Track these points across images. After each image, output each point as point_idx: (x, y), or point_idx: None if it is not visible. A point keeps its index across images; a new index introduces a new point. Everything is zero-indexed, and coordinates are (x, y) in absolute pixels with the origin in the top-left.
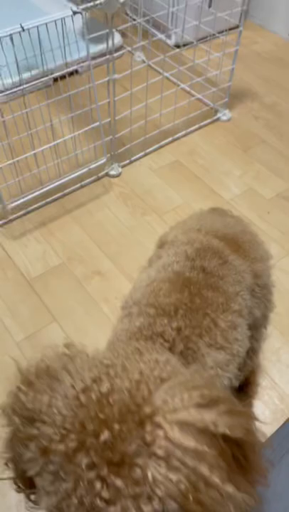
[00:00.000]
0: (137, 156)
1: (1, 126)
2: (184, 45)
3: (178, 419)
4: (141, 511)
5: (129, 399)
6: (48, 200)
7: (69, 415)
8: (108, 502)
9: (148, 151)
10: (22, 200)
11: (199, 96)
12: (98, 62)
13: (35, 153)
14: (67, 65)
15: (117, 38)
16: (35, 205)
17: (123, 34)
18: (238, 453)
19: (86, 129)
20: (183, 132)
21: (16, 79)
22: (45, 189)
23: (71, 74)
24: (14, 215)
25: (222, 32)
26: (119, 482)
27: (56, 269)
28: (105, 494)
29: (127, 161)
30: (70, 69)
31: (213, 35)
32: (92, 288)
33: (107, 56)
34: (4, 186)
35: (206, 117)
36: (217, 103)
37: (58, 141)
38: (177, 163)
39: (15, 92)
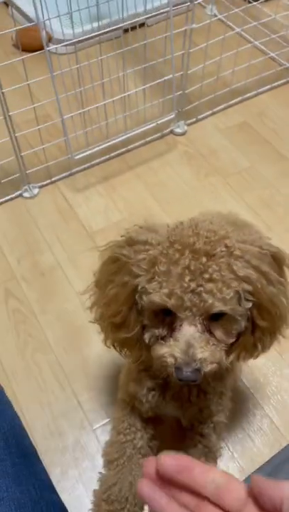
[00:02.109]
0: (204, 114)
1: (74, 75)
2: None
3: (242, 238)
4: (230, 287)
5: (209, 227)
6: (112, 154)
7: (170, 236)
8: (208, 280)
9: (216, 110)
10: (88, 153)
11: (273, 54)
12: (177, 10)
13: (104, 105)
14: (141, 14)
15: None
16: (99, 159)
17: None
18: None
19: (158, 81)
20: (253, 92)
21: (86, 28)
22: (110, 143)
23: (135, 27)
24: (78, 168)
25: None
26: (215, 266)
27: (117, 224)
28: (206, 275)
29: (193, 119)
30: (142, 18)
31: None
32: None
33: (188, 4)
34: (73, 136)
35: (278, 78)
36: None
37: (129, 92)
38: (245, 124)
39: (84, 41)
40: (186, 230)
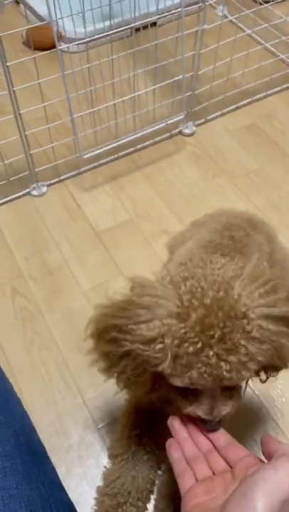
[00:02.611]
0: (213, 115)
1: (84, 75)
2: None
3: (262, 312)
4: (248, 370)
5: (225, 302)
6: (120, 154)
7: (184, 322)
8: (228, 371)
9: (225, 111)
10: (97, 152)
11: (283, 56)
12: (189, 10)
13: (114, 104)
14: (152, 14)
15: None
16: (107, 159)
17: None
18: None
19: (168, 81)
20: (263, 94)
21: (98, 26)
22: (119, 142)
23: (147, 26)
24: (86, 167)
25: None
26: (234, 358)
27: (124, 224)
28: (226, 367)
29: (202, 120)
30: (154, 18)
31: None
32: (159, 246)
33: (200, 4)
34: (82, 136)
35: (288, 80)
36: None
37: (139, 92)
38: (254, 126)
39: (95, 39)
40: (201, 309)
